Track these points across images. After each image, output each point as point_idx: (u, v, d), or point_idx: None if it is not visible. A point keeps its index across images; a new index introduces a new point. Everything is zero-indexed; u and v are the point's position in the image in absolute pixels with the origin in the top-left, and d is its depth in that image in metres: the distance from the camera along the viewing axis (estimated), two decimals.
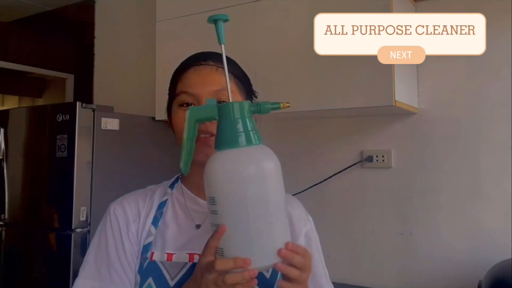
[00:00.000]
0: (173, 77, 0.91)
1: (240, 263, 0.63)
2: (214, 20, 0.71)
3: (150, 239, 0.85)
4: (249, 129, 0.68)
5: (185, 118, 0.70)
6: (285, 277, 0.69)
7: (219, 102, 0.83)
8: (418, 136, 1.92)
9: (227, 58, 0.81)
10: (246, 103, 0.69)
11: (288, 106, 0.70)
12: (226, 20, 0.71)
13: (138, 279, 0.82)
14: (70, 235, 1.93)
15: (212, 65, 0.87)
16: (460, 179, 1.82)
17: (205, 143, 0.82)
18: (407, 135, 1.94)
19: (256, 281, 0.66)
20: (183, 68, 0.89)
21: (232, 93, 0.82)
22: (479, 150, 1.80)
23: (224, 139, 0.67)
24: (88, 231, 1.98)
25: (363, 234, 1.99)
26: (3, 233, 2.22)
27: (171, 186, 0.93)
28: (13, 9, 3.57)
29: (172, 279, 0.80)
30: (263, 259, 0.65)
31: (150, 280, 0.81)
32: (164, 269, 0.81)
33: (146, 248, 0.84)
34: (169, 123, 0.91)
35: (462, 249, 1.79)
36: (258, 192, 0.65)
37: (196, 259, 0.81)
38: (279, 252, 0.65)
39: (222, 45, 0.71)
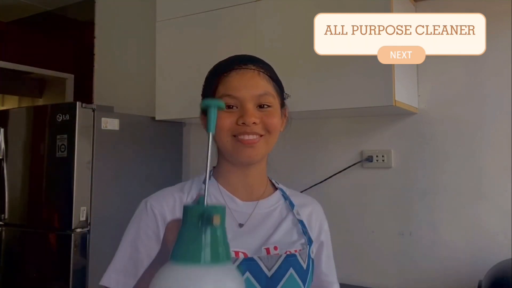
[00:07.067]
0: (212, 78, 0.89)
1: None
2: (207, 106, 0.62)
3: None
4: (218, 243, 0.56)
5: None
6: None
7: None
8: (418, 136, 1.92)
9: (264, 62, 0.86)
10: (222, 210, 0.58)
11: (218, 224, 0.56)
12: (220, 107, 0.63)
13: None
14: (70, 235, 1.93)
15: (254, 69, 0.87)
16: (460, 179, 1.82)
17: (249, 145, 0.83)
18: (407, 135, 1.94)
19: None
20: (224, 70, 0.88)
21: (271, 96, 0.86)
22: (479, 150, 1.80)
23: (181, 250, 0.56)
24: (88, 231, 1.98)
25: (363, 234, 1.99)
26: (3, 233, 2.22)
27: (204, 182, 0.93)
28: (13, 9, 3.57)
29: None
30: None
31: None
32: None
33: None
34: (203, 125, 0.88)
35: (462, 249, 1.79)
36: None
37: (240, 256, 0.80)
38: None
39: (210, 134, 0.61)
